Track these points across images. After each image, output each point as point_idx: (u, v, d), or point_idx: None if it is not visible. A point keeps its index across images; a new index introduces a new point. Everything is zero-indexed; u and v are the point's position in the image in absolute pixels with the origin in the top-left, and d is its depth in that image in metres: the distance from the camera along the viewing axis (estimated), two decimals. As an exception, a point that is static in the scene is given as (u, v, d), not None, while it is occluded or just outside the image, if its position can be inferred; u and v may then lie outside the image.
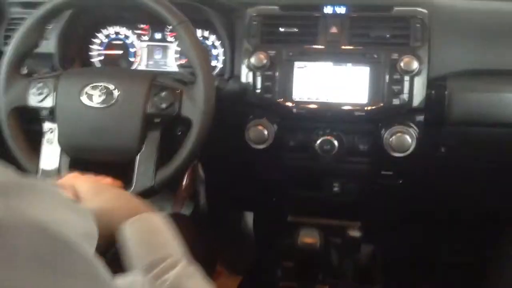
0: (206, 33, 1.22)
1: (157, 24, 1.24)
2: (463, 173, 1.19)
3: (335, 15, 1.13)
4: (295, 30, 1.11)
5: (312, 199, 1.21)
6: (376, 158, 1.13)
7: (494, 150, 1.12)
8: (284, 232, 1.24)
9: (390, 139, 1.05)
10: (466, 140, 1.11)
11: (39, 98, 0.99)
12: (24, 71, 1.08)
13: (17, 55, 1.01)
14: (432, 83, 1.07)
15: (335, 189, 1.22)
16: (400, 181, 1.17)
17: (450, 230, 1.35)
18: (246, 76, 1.11)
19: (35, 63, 1.13)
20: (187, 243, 0.65)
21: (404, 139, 1.05)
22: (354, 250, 1.24)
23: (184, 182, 1.17)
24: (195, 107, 0.94)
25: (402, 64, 1.04)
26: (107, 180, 0.82)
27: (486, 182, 1.20)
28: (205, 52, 0.98)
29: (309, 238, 1.10)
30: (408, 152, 1.06)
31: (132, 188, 0.95)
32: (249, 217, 1.54)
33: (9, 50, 1.01)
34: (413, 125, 1.07)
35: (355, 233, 1.18)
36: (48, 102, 0.99)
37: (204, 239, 1.17)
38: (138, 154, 0.96)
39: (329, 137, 1.09)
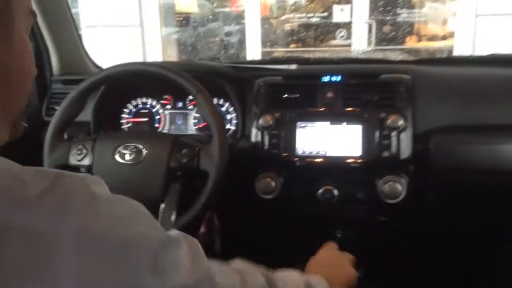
0: (221, 101, 1.41)
1: (178, 95, 1.44)
2: (452, 219, 1.31)
3: (331, 82, 1.31)
4: (297, 95, 1.29)
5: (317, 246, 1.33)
6: (372, 205, 1.26)
7: (477, 196, 1.25)
8: None
9: (383, 187, 1.20)
10: (451, 188, 1.25)
11: (78, 157, 1.16)
12: (65, 136, 1.26)
13: (61, 123, 1.19)
14: (418, 138, 1.22)
15: (338, 235, 1.35)
16: (395, 226, 1.29)
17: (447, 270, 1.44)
18: (255, 135, 1.28)
19: (74, 130, 1.32)
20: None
21: (395, 186, 1.20)
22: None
23: (201, 230, 1.31)
24: (211, 161, 1.10)
25: (389, 122, 1.20)
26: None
27: (473, 225, 1.31)
28: (220, 116, 1.15)
29: None
30: (400, 198, 1.20)
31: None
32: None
33: (54, 118, 1.19)
34: (403, 175, 1.21)
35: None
36: (86, 161, 1.16)
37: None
38: (163, 203, 1.11)
39: (329, 187, 1.24)
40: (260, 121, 1.25)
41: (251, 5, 5.18)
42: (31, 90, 1.47)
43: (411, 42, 5.66)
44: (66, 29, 1.50)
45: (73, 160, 1.17)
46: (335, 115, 1.25)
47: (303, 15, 5.83)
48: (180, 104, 1.46)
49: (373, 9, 5.02)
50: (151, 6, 5.25)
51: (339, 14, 5.11)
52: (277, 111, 1.27)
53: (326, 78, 1.32)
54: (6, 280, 0.39)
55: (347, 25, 5.21)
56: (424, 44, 5.73)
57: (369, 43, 4.87)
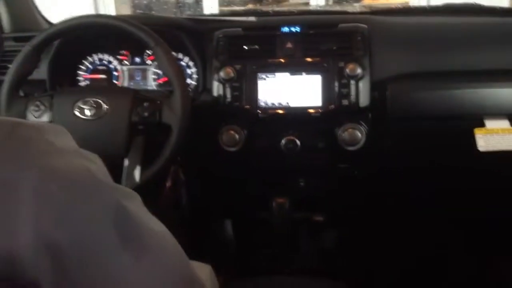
0: (180, 55, 1.40)
1: (136, 49, 1.41)
2: (409, 164, 1.37)
3: (290, 33, 1.32)
4: (257, 47, 1.29)
5: (281, 195, 1.36)
6: (333, 153, 1.30)
7: (432, 141, 1.31)
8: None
9: (343, 135, 1.24)
10: (408, 133, 1.30)
11: (36, 114, 1.13)
12: (21, 94, 1.22)
13: (15, 80, 1.15)
14: (375, 86, 1.25)
15: (301, 184, 1.39)
16: (356, 172, 1.34)
17: (403, 219, 1.52)
18: (217, 88, 1.28)
19: (29, 89, 1.28)
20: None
21: (355, 134, 1.23)
22: (319, 233, 1.40)
23: (167, 184, 1.32)
24: (173, 115, 1.10)
25: (347, 70, 1.23)
26: None
27: (428, 171, 1.38)
28: (180, 68, 1.14)
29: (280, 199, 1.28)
30: (359, 145, 1.24)
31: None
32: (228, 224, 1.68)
33: (8, 75, 1.15)
34: (362, 122, 1.25)
35: (319, 218, 1.34)
36: (45, 118, 1.13)
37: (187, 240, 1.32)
38: (126, 158, 1.11)
39: (292, 137, 1.27)
40: (221, 74, 1.25)
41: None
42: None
43: (368, -1, 5.69)
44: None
45: (31, 117, 1.14)
46: (295, 66, 1.27)
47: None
48: (138, 60, 1.43)
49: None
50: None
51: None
52: (238, 63, 1.27)
53: (285, 29, 1.33)
54: None
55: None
56: (380, 2, 5.77)
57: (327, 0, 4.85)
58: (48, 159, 0.42)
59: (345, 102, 1.24)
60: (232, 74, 1.25)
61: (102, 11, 5.05)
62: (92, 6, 4.98)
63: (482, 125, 1.24)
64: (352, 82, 1.24)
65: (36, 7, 1.54)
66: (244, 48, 1.30)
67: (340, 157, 1.31)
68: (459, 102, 1.24)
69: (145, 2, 6.25)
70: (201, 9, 5.41)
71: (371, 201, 1.42)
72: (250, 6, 5.65)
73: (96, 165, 0.47)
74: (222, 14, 1.51)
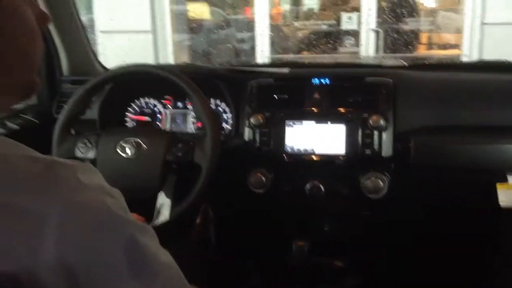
0: (218, 101, 1.51)
1: (179, 95, 1.54)
2: (431, 213, 1.39)
3: (319, 84, 1.40)
4: (286, 96, 1.39)
5: (301, 238, 1.41)
6: (356, 200, 1.34)
7: (454, 192, 1.33)
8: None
9: (366, 183, 1.29)
10: (430, 184, 1.33)
11: (83, 151, 1.26)
12: (72, 132, 1.36)
13: (68, 119, 1.29)
14: (399, 137, 1.31)
15: (325, 228, 1.43)
16: (378, 220, 1.38)
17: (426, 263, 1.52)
18: (248, 133, 1.37)
19: (81, 127, 1.42)
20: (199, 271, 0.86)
21: (377, 182, 1.28)
22: (339, 278, 1.43)
23: (197, 221, 1.41)
24: (204, 156, 1.20)
25: (371, 122, 1.29)
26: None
27: (450, 219, 1.39)
28: (213, 114, 1.25)
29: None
30: (382, 194, 1.28)
31: (152, 221, 1.19)
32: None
33: (61, 115, 1.29)
34: (385, 172, 1.30)
35: (339, 263, 1.38)
36: (91, 155, 1.26)
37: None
38: (159, 193, 1.21)
39: (316, 182, 1.33)
40: (252, 120, 1.35)
41: (261, 13, 5.29)
42: (42, 89, 1.60)
43: (420, 50, 5.72)
44: (75, 32, 1.61)
45: (78, 154, 1.27)
46: (321, 115, 1.34)
47: (313, 22, 5.93)
48: (180, 104, 1.56)
49: (381, 17, 5.11)
50: (163, 13, 5.39)
51: (347, 22, 5.20)
52: (268, 110, 1.36)
53: (315, 81, 1.41)
54: None
55: (356, 33, 5.30)
56: (433, 52, 5.79)
57: (377, 50, 4.94)
58: (73, 194, 0.49)
59: (368, 151, 1.30)
60: (261, 121, 1.34)
61: (162, 56, 5.37)
62: (152, 52, 5.31)
63: (505, 180, 1.25)
64: (376, 133, 1.30)
65: (93, 53, 1.72)
66: (274, 97, 1.39)
67: (363, 204, 1.35)
68: (483, 156, 1.27)
69: (203, 48, 6.59)
70: (255, 56, 5.65)
71: (392, 248, 1.44)
72: (304, 53, 5.84)
73: (115, 200, 0.54)
74: (258, 65, 1.62)
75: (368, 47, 4.98)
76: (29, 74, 0.60)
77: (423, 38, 5.79)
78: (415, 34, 5.54)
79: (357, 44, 5.24)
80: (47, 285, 0.46)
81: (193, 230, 1.41)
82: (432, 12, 5.85)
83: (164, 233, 1.20)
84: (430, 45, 5.86)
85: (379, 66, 1.53)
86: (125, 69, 1.32)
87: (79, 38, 1.63)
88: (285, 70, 1.47)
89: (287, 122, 1.35)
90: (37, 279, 0.45)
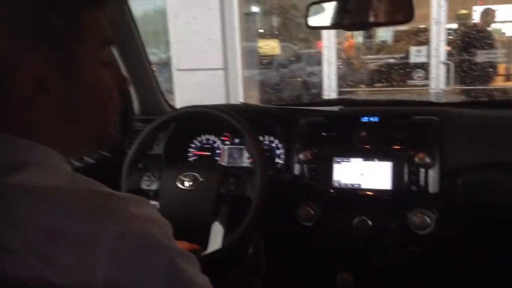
0: (271, 138, 1.61)
1: (236, 132, 1.66)
2: (480, 250, 1.38)
3: (367, 122, 1.46)
4: (334, 134, 1.46)
5: (346, 270, 1.45)
6: (403, 235, 1.37)
7: (503, 230, 1.32)
8: None
9: (413, 219, 1.31)
10: (479, 221, 1.33)
11: (148, 183, 1.41)
12: (140, 165, 1.51)
13: (135, 155, 1.44)
14: (446, 174, 1.33)
15: (375, 264, 1.46)
16: (426, 256, 1.39)
17: None
18: (297, 168, 1.45)
19: (149, 161, 1.57)
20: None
21: (424, 219, 1.30)
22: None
23: (249, 251, 1.49)
24: (254, 189, 1.29)
25: (417, 159, 1.33)
26: (184, 244, 1.15)
27: (499, 256, 1.37)
28: (262, 151, 1.34)
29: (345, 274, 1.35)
30: (429, 230, 1.30)
31: (206, 250, 1.29)
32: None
33: (131, 151, 1.45)
34: (432, 208, 1.32)
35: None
36: (154, 186, 1.39)
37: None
38: (213, 223, 1.32)
39: (363, 217, 1.37)
40: (301, 156, 1.43)
41: (328, 46, 5.40)
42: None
43: (496, 82, 5.53)
44: (145, 76, 1.79)
45: (144, 185, 1.41)
46: (368, 153, 1.40)
47: (381, 56, 5.94)
48: (237, 141, 1.68)
49: (451, 49, 5.03)
50: (235, 50, 5.65)
51: (416, 55, 5.17)
52: (316, 147, 1.44)
53: (365, 119, 1.47)
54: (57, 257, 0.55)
55: (426, 65, 5.25)
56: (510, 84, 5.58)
57: (447, 83, 4.85)
58: (124, 224, 0.59)
59: (414, 188, 1.33)
60: (309, 157, 1.42)
61: (232, 91, 5.60)
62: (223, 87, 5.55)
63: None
64: (422, 170, 1.33)
65: (162, 94, 1.89)
66: (323, 134, 1.47)
67: (411, 239, 1.37)
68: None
69: (273, 82, 6.79)
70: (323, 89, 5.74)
71: (439, 284, 1.44)
72: (363, 87, 5.85)
73: (161, 229, 0.63)
74: (310, 103, 1.71)
75: (438, 80, 4.90)
76: (104, 125, 0.70)
77: (501, 69, 5.61)
78: (491, 65, 5.37)
79: (426, 77, 5.17)
80: None
81: (245, 260, 1.50)
82: (508, 43, 5.67)
83: (218, 262, 1.31)
84: (508, 77, 5.65)
85: (427, 103, 1.56)
86: (186, 110, 1.46)
87: (149, 81, 1.81)
88: (336, 108, 1.55)
89: (335, 159, 1.41)
90: None
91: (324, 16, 1.24)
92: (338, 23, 1.23)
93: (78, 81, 0.65)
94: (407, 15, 1.20)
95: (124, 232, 0.58)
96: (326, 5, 1.24)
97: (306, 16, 1.24)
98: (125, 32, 1.66)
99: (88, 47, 0.66)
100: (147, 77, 1.80)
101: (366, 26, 1.36)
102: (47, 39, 0.62)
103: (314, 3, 1.24)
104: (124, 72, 1.70)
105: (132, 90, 1.77)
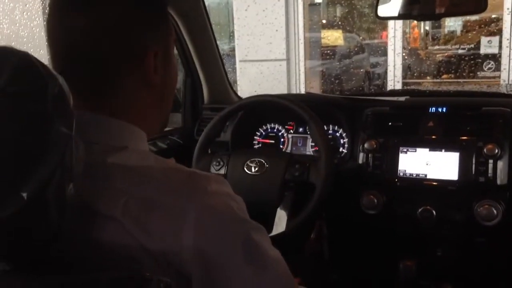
0: (336, 127, 1.64)
1: (300, 121, 1.70)
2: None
3: (434, 113, 1.45)
4: (400, 124, 1.46)
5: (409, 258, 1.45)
6: (469, 227, 1.36)
7: None
8: None
9: (479, 210, 1.30)
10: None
11: (216, 168, 1.48)
12: (209, 151, 1.59)
13: (205, 141, 1.52)
14: (515, 166, 1.30)
15: (438, 253, 1.46)
16: (493, 248, 1.37)
17: None
18: (362, 157, 1.47)
19: (217, 147, 1.65)
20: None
21: (491, 210, 1.29)
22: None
23: (312, 236, 1.54)
24: (318, 176, 1.33)
25: (485, 150, 1.31)
26: None
27: None
28: (327, 139, 1.38)
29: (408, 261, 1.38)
30: (495, 221, 1.29)
31: (271, 233, 1.35)
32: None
33: (201, 137, 1.53)
34: (500, 200, 1.30)
35: (448, 286, 1.39)
36: (222, 171, 1.46)
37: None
38: (278, 208, 1.37)
39: (428, 207, 1.38)
40: (366, 145, 1.45)
41: (394, 36, 5.29)
42: (187, 115, 1.87)
43: None
44: (215, 66, 1.87)
45: (213, 170, 1.48)
46: (435, 143, 1.39)
47: (449, 47, 5.75)
48: (301, 129, 1.72)
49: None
50: (298, 41, 5.67)
51: (487, 46, 4.96)
52: (382, 137, 1.45)
53: (432, 110, 1.47)
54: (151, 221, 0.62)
55: (497, 57, 5.03)
56: None
57: (521, 74, 4.63)
58: (206, 198, 0.65)
59: (481, 179, 1.32)
60: (375, 146, 1.43)
61: (294, 82, 5.63)
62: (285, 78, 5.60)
63: None
64: (490, 161, 1.31)
65: (230, 84, 1.96)
66: (389, 124, 1.48)
67: (477, 230, 1.36)
68: None
69: (335, 73, 6.74)
70: (387, 80, 5.64)
71: (505, 276, 1.41)
72: (428, 79, 5.67)
73: (238, 204, 0.69)
74: (375, 93, 1.72)
75: (510, 72, 4.68)
76: (169, 109, 0.82)
77: None
78: None
79: (497, 68, 4.95)
80: (187, 265, 0.62)
81: (307, 245, 1.54)
82: None
83: (282, 246, 1.36)
84: None
85: (497, 95, 1.52)
86: (251, 99, 1.52)
87: (219, 72, 1.89)
88: (402, 99, 1.55)
89: (401, 148, 1.42)
90: (181, 259, 0.61)
91: (393, 6, 1.25)
92: (407, 14, 1.24)
93: (170, 68, 0.76)
94: (479, 5, 1.19)
95: (207, 205, 0.64)
96: (395, -5, 1.25)
97: (376, 6, 1.26)
98: (199, 26, 1.74)
99: (171, 40, 0.78)
100: (217, 68, 1.87)
101: (435, 17, 1.35)
102: (156, 34, 0.73)
103: (383, -7, 1.25)
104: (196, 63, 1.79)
105: (202, 80, 1.85)
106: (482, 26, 5.42)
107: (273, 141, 1.75)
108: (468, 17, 5.38)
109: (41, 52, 2.20)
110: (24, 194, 0.49)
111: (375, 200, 1.42)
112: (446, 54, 5.82)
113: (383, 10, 1.26)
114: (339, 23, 6.94)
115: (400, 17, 1.27)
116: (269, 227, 1.35)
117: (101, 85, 0.70)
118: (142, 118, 0.73)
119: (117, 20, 0.69)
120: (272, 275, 0.67)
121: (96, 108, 0.70)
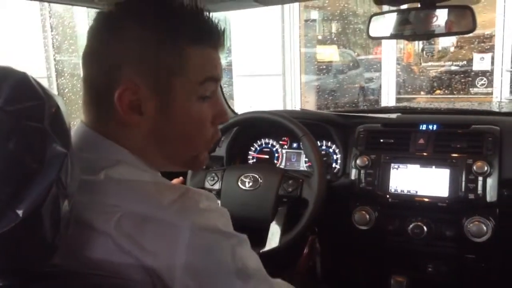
0: (328, 143, 1.66)
1: (294, 137, 1.72)
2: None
3: (425, 130, 1.48)
4: (392, 141, 1.49)
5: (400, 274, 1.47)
6: (459, 243, 1.38)
7: None
8: None
9: (469, 226, 1.32)
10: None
11: (211, 183, 1.50)
12: (203, 167, 1.60)
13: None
14: (504, 184, 1.32)
15: (429, 269, 1.47)
16: (483, 264, 1.38)
17: None
18: (354, 173, 1.49)
19: (212, 162, 1.66)
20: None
21: (481, 227, 1.31)
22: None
23: (304, 251, 1.54)
24: (311, 192, 1.35)
25: (475, 167, 1.33)
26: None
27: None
28: (320, 155, 1.40)
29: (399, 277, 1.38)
30: (485, 238, 1.30)
31: (264, 248, 1.36)
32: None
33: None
34: (489, 216, 1.32)
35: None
36: (217, 186, 1.48)
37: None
38: (271, 223, 1.38)
39: (419, 223, 1.39)
40: (358, 161, 1.47)
41: (388, 52, 5.35)
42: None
43: None
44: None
45: (207, 185, 1.50)
46: (426, 160, 1.42)
47: (442, 63, 5.81)
48: (295, 145, 1.74)
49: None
50: (294, 56, 5.73)
51: (479, 62, 5.02)
52: (373, 153, 1.47)
53: (423, 127, 1.49)
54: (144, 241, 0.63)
55: (489, 74, 5.09)
56: None
57: (512, 91, 4.69)
58: (198, 216, 0.67)
59: (471, 196, 1.34)
60: (367, 162, 1.45)
61: (290, 97, 5.67)
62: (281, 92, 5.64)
63: None
64: (480, 178, 1.33)
65: (225, 99, 1.98)
66: (381, 141, 1.50)
67: (467, 247, 1.38)
68: None
69: (330, 88, 6.79)
70: (381, 94, 5.68)
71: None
72: (438, 92, 5.72)
73: (226, 220, 0.71)
74: (367, 110, 1.74)
75: (502, 89, 4.74)
76: (192, 152, 0.77)
77: None
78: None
79: (490, 85, 5.01)
80: (179, 281, 0.63)
81: (300, 260, 1.55)
82: None
83: (275, 261, 1.37)
84: None
85: (487, 112, 1.55)
86: (248, 115, 1.54)
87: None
88: (393, 116, 1.57)
89: (392, 165, 1.44)
90: (173, 276, 0.63)
91: (385, 25, 1.28)
92: (399, 34, 1.26)
93: (170, 110, 0.71)
94: (469, 25, 1.22)
95: (200, 223, 0.66)
96: (387, 15, 1.28)
97: (367, 26, 1.28)
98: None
99: (185, 80, 0.70)
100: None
101: (427, 37, 1.37)
102: (145, 66, 0.69)
103: (375, 14, 1.27)
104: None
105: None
106: (475, 43, 5.49)
107: (267, 157, 1.77)
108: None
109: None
110: (20, 212, 0.50)
111: (367, 216, 1.43)
112: (439, 70, 5.89)
113: (375, 30, 1.29)
114: (334, 39, 7.00)
115: (392, 37, 1.29)
116: (263, 242, 1.36)
117: (97, 107, 0.73)
118: (138, 150, 0.73)
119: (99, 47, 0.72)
120: (256, 282, 0.71)
121: (96, 128, 0.73)
